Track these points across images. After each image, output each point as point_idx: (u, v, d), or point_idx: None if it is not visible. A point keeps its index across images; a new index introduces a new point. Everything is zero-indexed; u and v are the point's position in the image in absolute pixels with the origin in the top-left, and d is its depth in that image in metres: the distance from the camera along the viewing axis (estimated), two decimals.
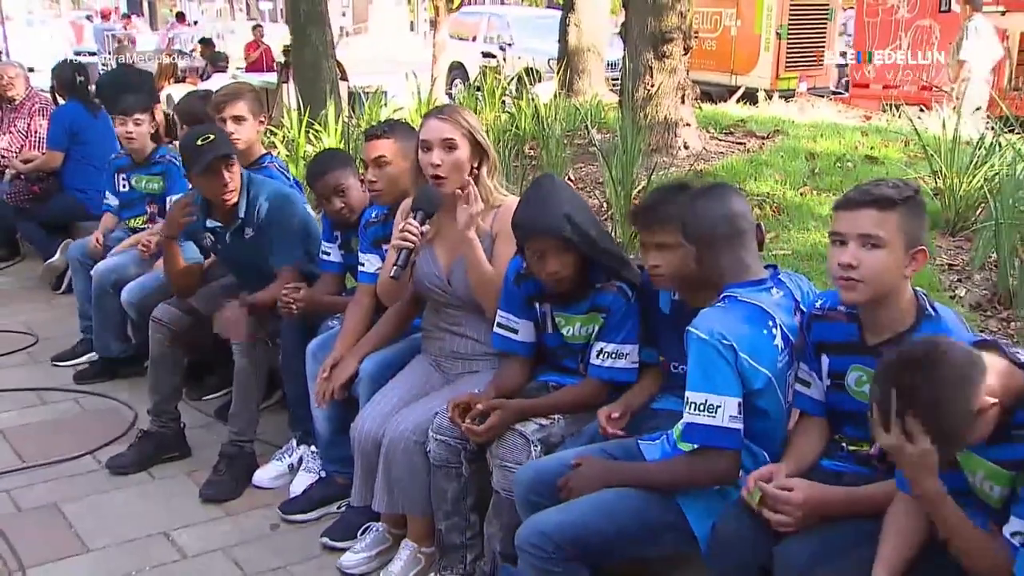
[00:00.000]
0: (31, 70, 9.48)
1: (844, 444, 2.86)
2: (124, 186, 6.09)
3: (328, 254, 4.49)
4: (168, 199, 5.83)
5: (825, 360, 2.84)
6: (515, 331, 3.55)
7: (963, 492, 2.41)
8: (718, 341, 2.76)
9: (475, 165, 3.64)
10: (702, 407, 2.76)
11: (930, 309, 2.70)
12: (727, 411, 2.76)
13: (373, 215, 4.20)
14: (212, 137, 4.33)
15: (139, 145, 5.91)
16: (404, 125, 4.24)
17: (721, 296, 2.91)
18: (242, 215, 4.46)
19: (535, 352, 3.60)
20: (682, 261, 3.03)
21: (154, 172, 6.00)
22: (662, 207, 3.14)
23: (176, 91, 10.45)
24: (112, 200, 6.16)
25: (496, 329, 3.58)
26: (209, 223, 4.53)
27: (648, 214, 3.21)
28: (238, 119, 4.91)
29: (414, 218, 3.51)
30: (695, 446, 2.81)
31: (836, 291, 2.78)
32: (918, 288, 2.77)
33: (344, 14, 41.01)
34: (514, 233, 3.39)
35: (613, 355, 3.40)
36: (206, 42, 18.93)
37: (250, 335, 4.36)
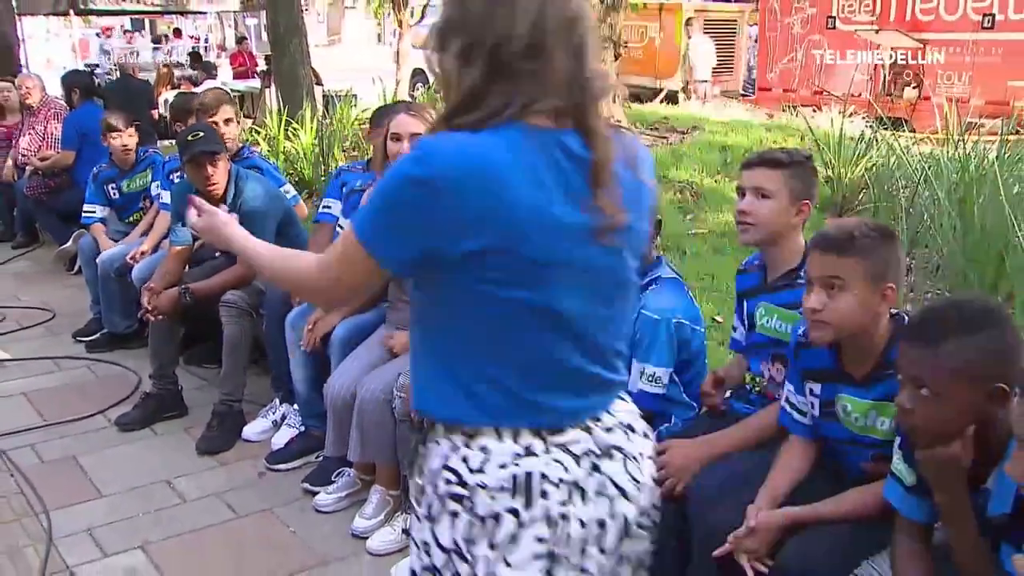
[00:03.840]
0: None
1: (751, 385, 2.91)
2: (115, 194, 6.04)
3: (329, 208, 4.45)
4: (151, 185, 5.87)
5: (745, 305, 2.92)
6: None
7: (843, 440, 2.45)
8: (670, 320, 2.84)
9: None
10: (651, 378, 2.86)
11: None
12: (664, 380, 2.87)
13: (358, 184, 4.16)
14: (201, 134, 4.30)
15: (131, 156, 5.92)
16: None
17: (649, 280, 2.95)
18: (228, 206, 4.41)
19: None
20: None
21: (141, 170, 6.00)
22: None
23: (172, 97, 10.33)
24: (99, 211, 6.04)
25: None
26: None
27: None
28: (228, 121, 4.94)
29: None
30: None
31: (754, 255, 2.92)
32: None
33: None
34: None
35: None
36: (195, 56, 18.66)
37: (163, 318, 4.42)
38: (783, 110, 11.04)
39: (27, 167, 7.79)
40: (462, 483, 1.61)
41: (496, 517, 1.59)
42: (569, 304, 1.59)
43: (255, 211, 4.38)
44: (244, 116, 7.63)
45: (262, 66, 15.99)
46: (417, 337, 1.71)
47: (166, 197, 5.35)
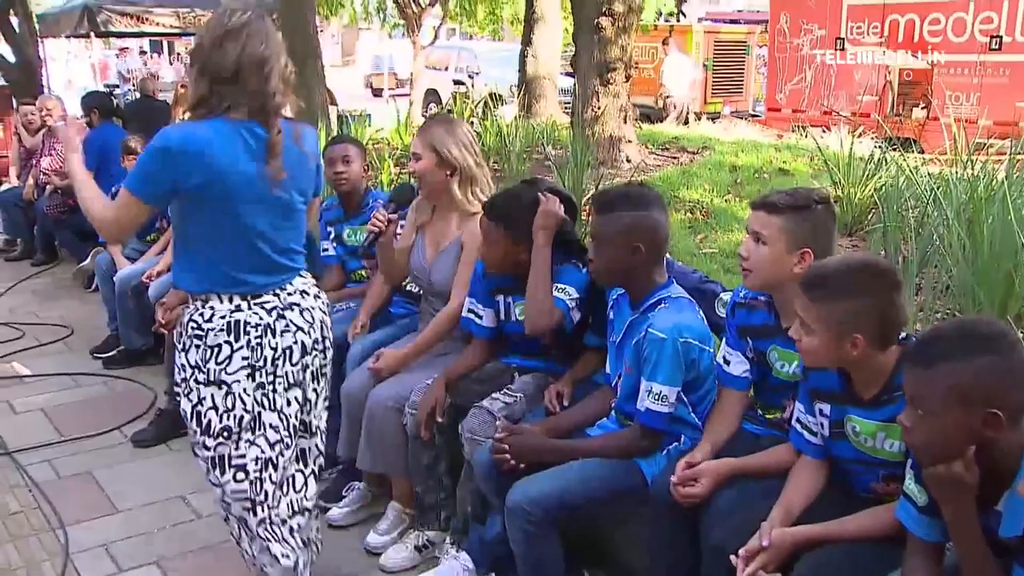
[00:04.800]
0: None
1: (761, 412, 2.88)
2: None
3: (327, 250, 4.47)
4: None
5: (749, 342, 2.83)
6: (480, 316, 3.50)
7: (853, 460, 2.45)
8: (676, 339, 2.76)
9: (448, 174, 3.59)
10: (658, 396, 2.78)
11: None
12: (671, 398, 2.79)
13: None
14: None
15: None
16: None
17: (658, 299, 2.89)
18: None
19: (496, 336, 3.53)
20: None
21: None
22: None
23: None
24: None
25: (464, 313, 3.54)
26: None
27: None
28: None
29: (387, 209, 3.59)
30: (642, 424, 2.84)
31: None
32: None
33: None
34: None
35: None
36: None
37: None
38: (793, 130, 11.04)
39: (47, 186, 7.85)
40: (200, 327, 2.69)
41: (219, 347, 2.67)
42: (258, 222, 2.64)
43: None
44: None
45: None
46: (177, 239, 2.77)
47: None
